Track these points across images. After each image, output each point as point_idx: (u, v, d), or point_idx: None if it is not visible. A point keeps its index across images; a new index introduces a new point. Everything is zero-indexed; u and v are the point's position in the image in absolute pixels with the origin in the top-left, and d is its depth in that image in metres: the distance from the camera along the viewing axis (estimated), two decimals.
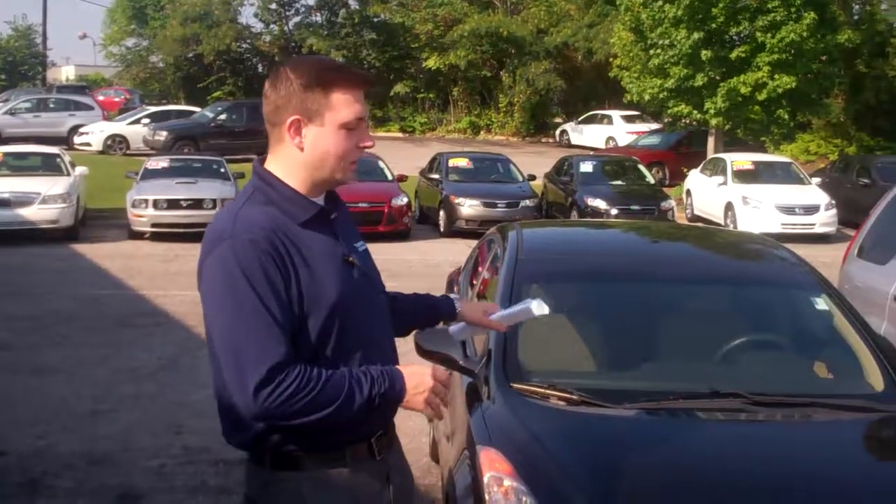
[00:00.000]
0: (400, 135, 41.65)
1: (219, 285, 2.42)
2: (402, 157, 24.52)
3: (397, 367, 2.58)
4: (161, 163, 18.53)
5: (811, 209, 19.06)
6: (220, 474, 5.99)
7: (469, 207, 18.26)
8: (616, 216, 18.29)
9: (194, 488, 5.81)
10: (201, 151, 25.54)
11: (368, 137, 2.64)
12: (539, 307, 3.11)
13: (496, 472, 3.50)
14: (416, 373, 2.57)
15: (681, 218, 20.76)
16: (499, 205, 18.40)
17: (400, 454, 2.83)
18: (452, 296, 3.24)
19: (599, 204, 19.06)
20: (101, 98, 38.97)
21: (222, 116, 30.73)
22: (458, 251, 14.65)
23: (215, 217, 2.61)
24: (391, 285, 3.05)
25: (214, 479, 5.94)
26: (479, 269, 5.67)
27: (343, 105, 2.54)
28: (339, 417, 2.43)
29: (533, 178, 20.72)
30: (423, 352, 4.38)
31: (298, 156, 2.56)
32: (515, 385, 4.05)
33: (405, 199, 18.07)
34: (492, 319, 3.18)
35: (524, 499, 3.35)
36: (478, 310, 3.22)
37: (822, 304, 4.80)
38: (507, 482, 3.44)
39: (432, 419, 2.66)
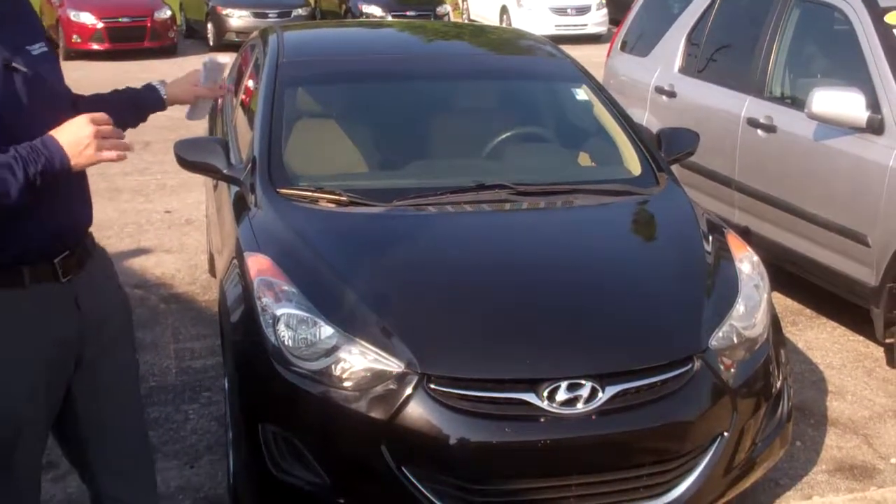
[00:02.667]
0: None
1: None
2: None
3: (49, 134, 2.32)
4: None
5: (583, 10, 19.43)
6: None
7: (238, 19, 17.61)
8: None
9: None
10: None
11: None
12: (216, 58, 3.12)
13: (265, 276, 3.46)
14: (71, 131, 2.32)
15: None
16: (269, 15, 17.81)
17: (100, 276, 2.65)
18: (155, 83, 3.00)
19: (374, 10, 18.79)
20: None
21: None
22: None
23: None
24: None
25: None
26: (243, 77, 5.47)
27: None
28: (4, 193, 2.23)
29: None
30: (184, 163, 4.25)
31: None
32: (282, 190, 3.97)
33: (169, 13, 17.23)
34: (202, 88, 3.05)
35: (294, 300, 3.33)
36: (185, 87, 3.04)
37: (582, 94, 4.91)
38: (276, 285, 3.40)
39: (120, 160, 2.45)
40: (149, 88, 2.97)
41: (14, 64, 2.36)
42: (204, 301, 5.86)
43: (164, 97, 2.97)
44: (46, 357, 2.49)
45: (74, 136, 2.31)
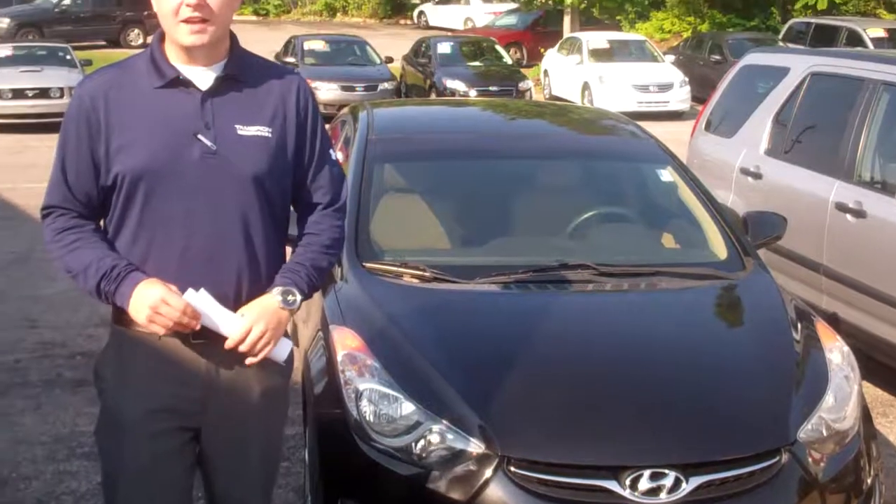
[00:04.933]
0: (253, 18, 40.25)
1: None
2: (255, 41, 23.71)
3: (144, 278, 2.44)
4: (4, 51, 17.53)
5: (665, 87, 19.39)
6: (77, 367, 5.84)
7: (327, 92, 17.92)
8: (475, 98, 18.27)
9: (50, 381, 5.64)
10: (46, 38, 24.22)
11: None
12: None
13: (349, 350, 3.48)
14: (146, 293, 2.41)
15: (539, 98, 20.87)
16: (357, 88, 18.12)
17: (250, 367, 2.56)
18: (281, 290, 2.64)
19: (458, 86, 18.98)
20: None
21: (66, 1, 29.17)
22: None
23: None
24: None
25: (71, 371, 5.79)
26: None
27: None
28: (83, 287, 2.53)
29: (391, 60, 20.43)
30: None
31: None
32: (368, 264, 4.02)
33: None
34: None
35: (377, 375, 3.35)
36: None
37: (667, 175, 4.89)
38: (360, 359, 3.43)
39: (164, 335, 2.49)
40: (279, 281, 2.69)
41: (200, 135, 2.46)
42: None
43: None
44: (155, 404, 2.56)
45: (142, 297, 2.43)
